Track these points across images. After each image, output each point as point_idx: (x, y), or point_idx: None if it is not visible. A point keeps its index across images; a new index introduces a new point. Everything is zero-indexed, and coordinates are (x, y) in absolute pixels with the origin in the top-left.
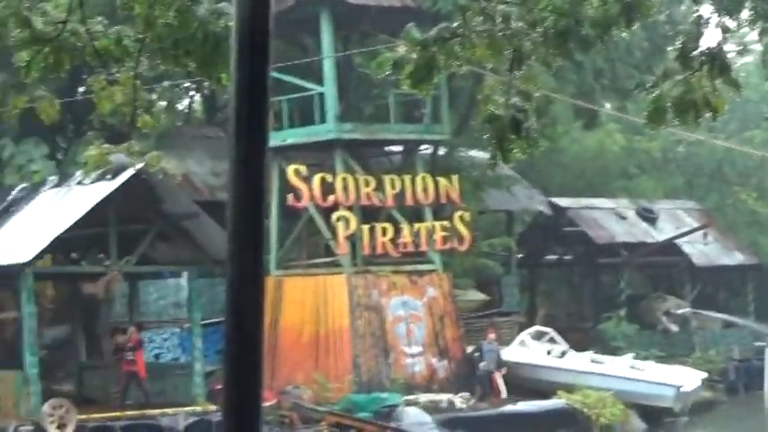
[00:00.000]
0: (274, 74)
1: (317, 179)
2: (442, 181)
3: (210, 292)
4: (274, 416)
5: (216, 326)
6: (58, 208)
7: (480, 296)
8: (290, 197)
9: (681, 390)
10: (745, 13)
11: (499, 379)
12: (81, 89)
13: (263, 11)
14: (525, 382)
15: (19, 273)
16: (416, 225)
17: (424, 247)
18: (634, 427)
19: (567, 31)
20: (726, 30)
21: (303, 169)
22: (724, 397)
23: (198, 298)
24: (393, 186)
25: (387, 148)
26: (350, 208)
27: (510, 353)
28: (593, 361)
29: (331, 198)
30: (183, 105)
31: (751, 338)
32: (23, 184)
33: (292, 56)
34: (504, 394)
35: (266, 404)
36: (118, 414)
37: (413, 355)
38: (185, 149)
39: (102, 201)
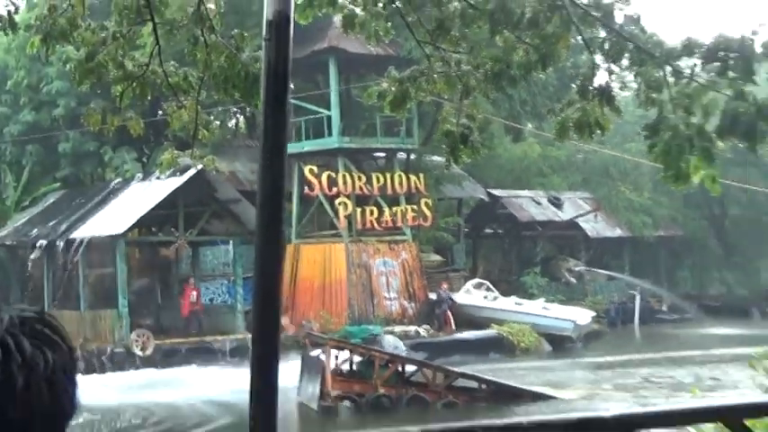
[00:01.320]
0: (297, 102)
1: (324, 176)
2: (413, 177)
3: (248, 254)
4: (294, 341)
5: (252, 278)
6: (143, 196)
7: (438, 258)
8: (306, 188)
9: (577, 323)
10: (625, 61)
11: (451, 316)
12: (159, 112)
13: (283, 58)
14: (469, 318)
15: (115, 241)
16: (394, 208)
17: (399, 224)
18: (544, 349)
19: (501, 73)
20: (611, 72)
21: (315, 169)
22: (607, 329)
23: (240, 259)
24: (378, 181)
25: (374, 154)
26: (348, 196)
27: (458, 297)
28: (516, 303)
29: (335, 189)
30: (231, 123)
31: (626, 288)
32: (118, 179)
33: (309, 89)
34: (453, 327)
35: (288, 333)
36: (183, 340)
37: (390, 299)
38: (232, 155)
39: (174, 191)
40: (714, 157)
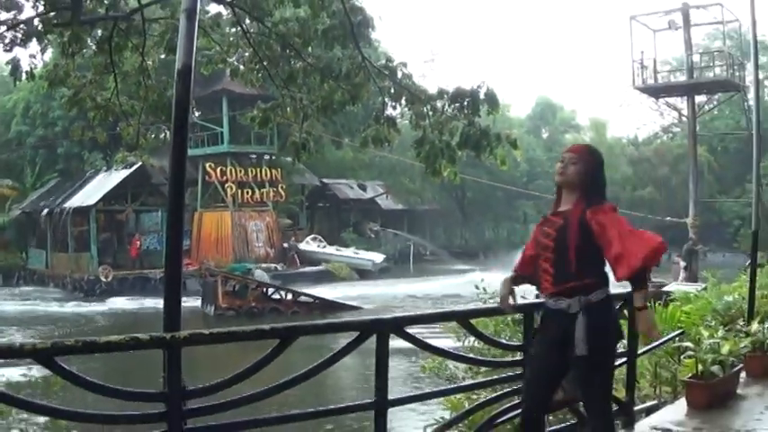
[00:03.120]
0: (202, 123)
1: (218, 169)
2: (273, 170)
3: None
4: (197, 273)
5: None
6: (106, 181)
7: (289, 221)
8: (207, 177)
9: (375, 262)
10: (403, 101)
11: (297, 257)
12: (117, 128)
13: (187, 95)
14: (308, 260)
15: (89, 209)
16: (262, 190)
17: (265, 200)
18: (354, 278)
19: (327, 105)
20: (395, 108)
21: (213, 164)
22: (392, 266)
23: (165, 221)
24: (252, 172)
25: (250, 155)
26: (233, 182)
27: (302, 246)
28: (337, 249)
29: (225, 177)
30: (161, 135)
31: (405, 241)
32: (92, 170)
33: (209, 115)
34: (299, 264)
35: (193, 268)
36: (131, 272)
37: (259, 247)
38: (162, 155)
39: (125, 177)
40: (456, 160)
